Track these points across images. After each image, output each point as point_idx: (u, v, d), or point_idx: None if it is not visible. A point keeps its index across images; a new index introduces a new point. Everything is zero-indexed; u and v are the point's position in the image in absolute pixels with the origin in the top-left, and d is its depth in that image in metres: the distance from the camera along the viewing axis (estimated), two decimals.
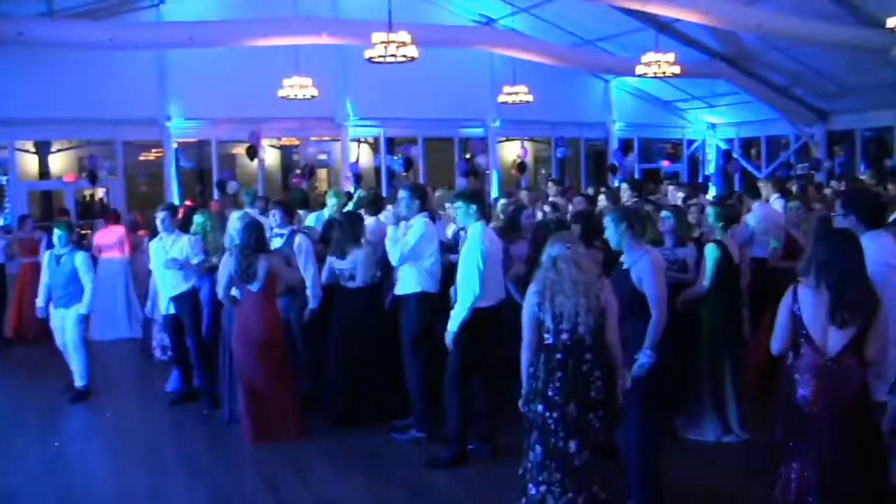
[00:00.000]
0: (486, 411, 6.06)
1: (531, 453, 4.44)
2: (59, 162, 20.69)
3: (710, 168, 23.06)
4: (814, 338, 4.05)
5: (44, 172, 20.07)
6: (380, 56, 11.94)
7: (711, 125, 23.04)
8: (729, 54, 17.89)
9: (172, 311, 7.52)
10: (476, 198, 6.05)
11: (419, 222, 6.21)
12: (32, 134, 17.77)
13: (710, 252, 6.12)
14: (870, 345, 4.00)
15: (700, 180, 20.89)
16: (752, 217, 7.89)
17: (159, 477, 5.95)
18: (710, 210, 6.62)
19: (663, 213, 6.68)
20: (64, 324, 7.89)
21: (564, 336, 4.36)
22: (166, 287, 7.49)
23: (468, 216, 5.89)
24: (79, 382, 7.92)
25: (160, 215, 7.54)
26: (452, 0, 18.83)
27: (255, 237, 6.49)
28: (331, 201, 8.66)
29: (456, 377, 5.88)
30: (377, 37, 11.91)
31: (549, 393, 4.36)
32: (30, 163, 20.06)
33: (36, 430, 7.05)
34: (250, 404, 6.47)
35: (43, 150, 19.94)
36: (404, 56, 11.96)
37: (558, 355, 4.37)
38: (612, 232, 5.03)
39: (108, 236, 10.67)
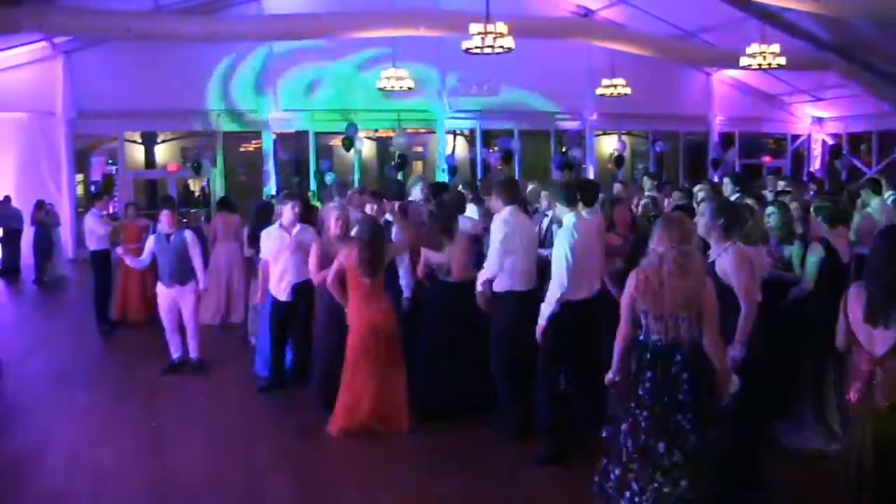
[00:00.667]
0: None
1: (622, 445, 4.40)
2: (163, 152, 21.41)
3: (816, 164, 22.18)
4: (860, 339, 3.87)
5: (149, 162, 20.82)
6: (477, 47, 11.86)
7: (817, 119, 22.16)
8: (839, 44, 17.10)
9: (289, 297, 7.59)
10: (569, 187, 5.92)
11: (496, 225, 6.13)
12: (140, 125, 18.47)
13: (813, 252, 5.81)
14: None
15: (804, 178, 20.11)
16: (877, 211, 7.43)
17: (249, 463, 6.02)
18: (814, 207, 6.28)
19: (768, 210, 6.41)
20: (179, 301, 8.21)
21: (656, 336, 4.30)
22: (292, 273, 7.57)
23: (562, 206, 5.80)
24: (193, 354, 8.37)
25: (288, 205, 7.66)
26: None
27: (377, 229, 6.56)
28: (414, 190, 8.64)
29: (545, 372, 5.77)
30: (474, 27, 11.85)
31: (640, 391, 4.31)
32: (137, 153, 20.83)
33: (134, 410, 7.26)
34: (351, 394, 6.50)
35: (149, 140, 20.67)
36: (501, 47, 11.85)
37: (648, 354, 4.31)
38: (705, 221, 4.84)
39: (226, 225, 10.89)
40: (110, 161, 19.61)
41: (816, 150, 22.39)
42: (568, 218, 5.70)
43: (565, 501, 5.28)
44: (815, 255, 5.73)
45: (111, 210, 14.93)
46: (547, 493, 5.37)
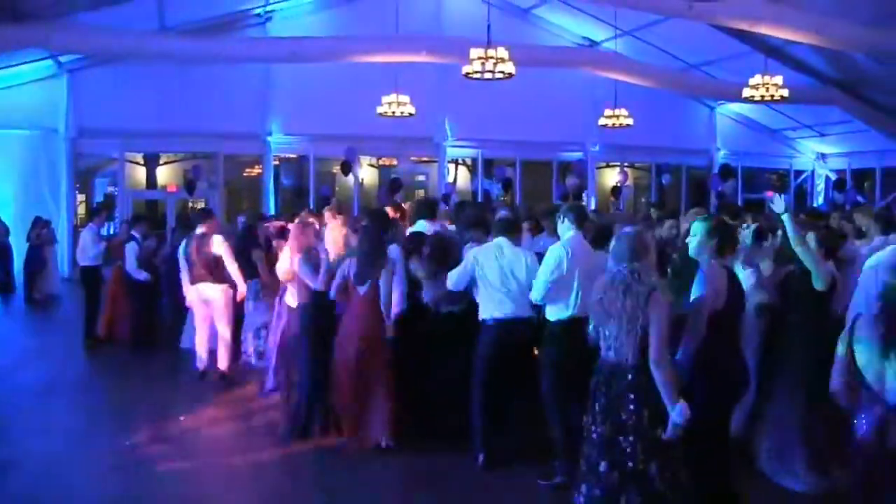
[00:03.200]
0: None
1: (582, 461, 4.41)
2: (165, 174, 21.42)
3: (820, 199, 22.07)
4: (868, 380, 3.66)
5: (151, 183, 20.82)
6: (476, 72, 11.83)
7: (821, 155, 22.11)
8: (842, 79, 17.06)
9: None
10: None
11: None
12: (141, 146, 18.48)
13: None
14: None
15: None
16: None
17: (224, 482, 5.92)
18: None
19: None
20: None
21: (607, 354, 4.32)
22: None
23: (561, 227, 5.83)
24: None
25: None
26: (555, 22, 18.68)
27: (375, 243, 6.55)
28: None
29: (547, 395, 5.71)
30: (475, 52, 11.84)
31: (595, 408, 4.34)
32: (138, 174, 20.84)
33: (111, 430, 7.14)
34: (348, 405, 6.42)
35: (151, 161, 20.69)
36: (502, 73, 11.82)
37: (602, 374, 4.34)
38: (697, 241, 4.72)
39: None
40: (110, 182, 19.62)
41: (820, 186, 22.29)
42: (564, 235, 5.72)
43: None
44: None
45: (111, 231, 14.92)
46: None
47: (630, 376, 4.21)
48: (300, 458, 6.32)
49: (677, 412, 4.08)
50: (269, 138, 17.93)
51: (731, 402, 4.68)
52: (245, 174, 21.68)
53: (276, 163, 18.78)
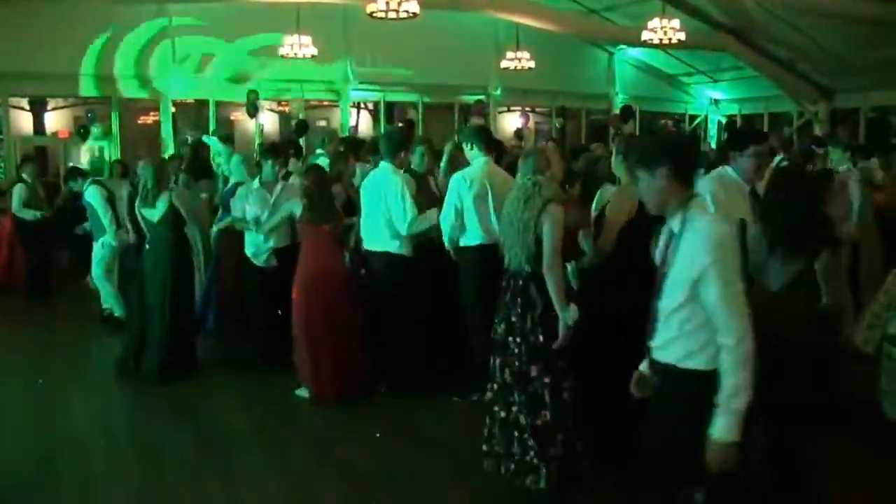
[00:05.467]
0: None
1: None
2: (54, 120, 20.48)
3: (712, 144, 22.83)
4: None
5: (38, 131, 19.88)
6: (381, 11, 11.70)
7: (714, 100, 22.82)
8: (735, 26, 17.59)
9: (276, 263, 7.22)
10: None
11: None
12: (25, 89, 17.52)
13: None
14: None
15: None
16: None
17: (143, 416, 5.87)
18: None
19: None
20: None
21: (509, 262, 4.65)
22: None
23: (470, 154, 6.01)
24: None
25: (269, 162, 7.32)
26: None
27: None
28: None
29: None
30: None
31: (498, 311, 4.74)
32: (23, 120, 19.85)
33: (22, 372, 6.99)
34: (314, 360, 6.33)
35: (38, 107, 19.73)
36: (406, 12, 11.72)
37: (505, 280, 4.69)
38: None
39: None
40: None
41: (712, 130, 23.05)
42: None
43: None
44: None
45: None
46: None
47: (521, 282, 4.54)
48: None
49: (567, 316, 4.40)
50: (163, 81, 17.26)
51: None
52: (140, 121, 20.91)
53: (174, 109, 18.16)
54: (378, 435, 5.54)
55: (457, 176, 5.90)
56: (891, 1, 11.87)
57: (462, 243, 5.96)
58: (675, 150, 3.13)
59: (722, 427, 2.99)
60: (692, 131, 22.84)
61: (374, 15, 11.94)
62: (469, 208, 5.81)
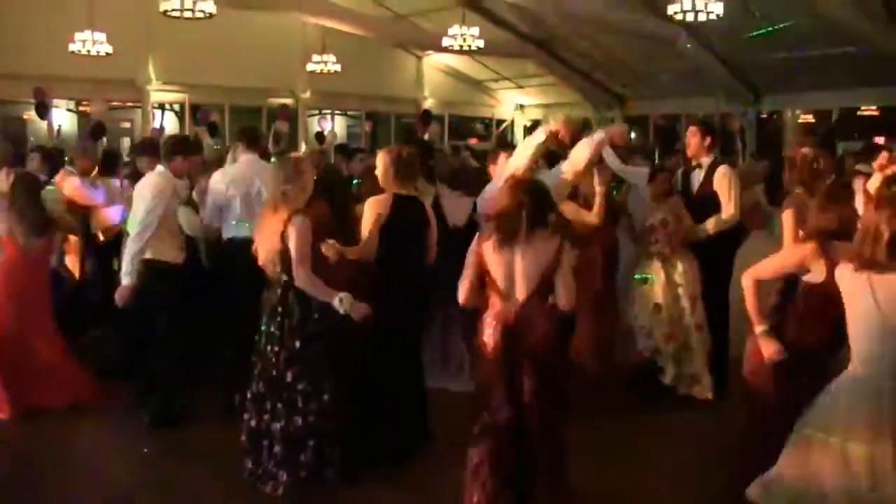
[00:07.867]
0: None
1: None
2: None
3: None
4: None
5: None
6: (175, 10, 11.31)
7: (520, 105, 23.65)
8: (537, 37, 18.30)
9: None
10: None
11: None
12: None
13: None
14: None
15: None
16: None
17: None
18: None
19: None
20: None
21: (267, 271, 4.75)
22: None
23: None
24: None
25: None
26: None
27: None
28: None
29: None
30: None
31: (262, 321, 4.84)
32: None
33: None
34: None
35: None
36: (202, 12, 11.38)
37: (266, 290, 4.80)
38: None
39: None
40: None
41: (519, 134, 23.87)
42: None
43: None
44: None
45: None
46: None
47: (279, 291, 4.61)
48: None
49: (340, 303, 4.48)
50: None
51: None
52: None
53: None
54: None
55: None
56: (667, 20, 12.67)
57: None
58: None
59: None
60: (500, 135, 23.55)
61: (169, 14, 11.57)
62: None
